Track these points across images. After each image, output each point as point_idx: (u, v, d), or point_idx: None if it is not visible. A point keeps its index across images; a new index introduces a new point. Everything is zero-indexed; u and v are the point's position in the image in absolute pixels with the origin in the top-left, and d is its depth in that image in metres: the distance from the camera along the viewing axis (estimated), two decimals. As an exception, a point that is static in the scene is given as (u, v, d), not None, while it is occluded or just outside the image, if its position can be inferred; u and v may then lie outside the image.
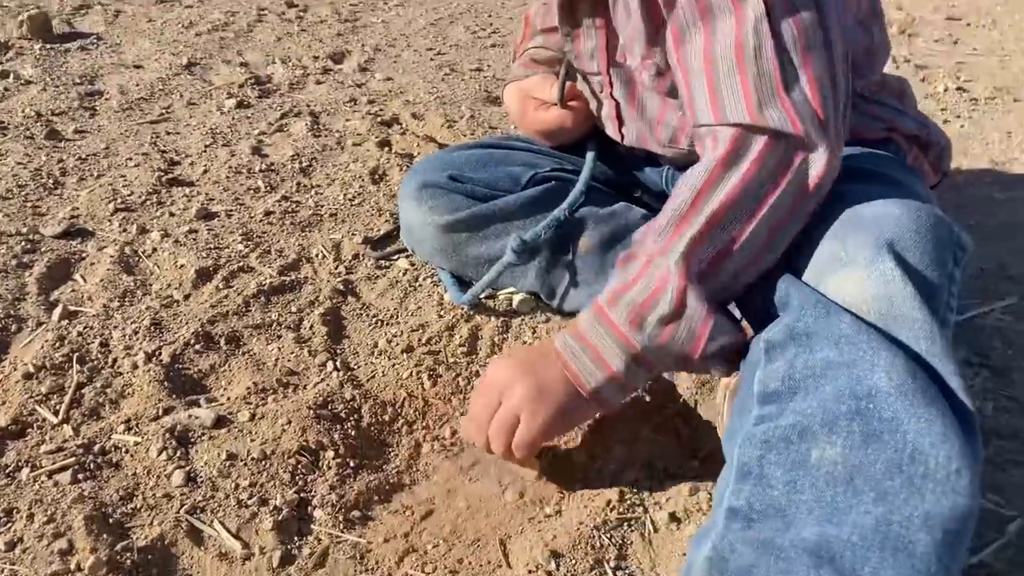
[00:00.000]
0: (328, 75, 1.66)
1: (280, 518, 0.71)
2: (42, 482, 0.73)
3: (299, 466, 0.76)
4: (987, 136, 1.56)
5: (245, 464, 0.76)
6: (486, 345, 0.96)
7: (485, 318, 1.00)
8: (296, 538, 0.70)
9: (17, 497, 0.71)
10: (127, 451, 0.77)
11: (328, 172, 1.34)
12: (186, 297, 1.03)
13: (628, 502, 0.75)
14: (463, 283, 1.07)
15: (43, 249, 1.11)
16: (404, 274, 1.11)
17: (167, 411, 0.82)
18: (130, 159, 1.34)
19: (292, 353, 0.92)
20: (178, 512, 0.71)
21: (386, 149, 1.42)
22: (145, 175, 1.30)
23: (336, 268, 1.12)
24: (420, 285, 1.08)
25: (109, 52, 1.69)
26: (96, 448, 0.77)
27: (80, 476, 0.74)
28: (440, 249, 1.04)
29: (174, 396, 0.84)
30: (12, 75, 1.55)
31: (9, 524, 0.69)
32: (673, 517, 0.74)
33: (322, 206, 1.26)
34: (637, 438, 0.82)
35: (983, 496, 0.76)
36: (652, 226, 0.75)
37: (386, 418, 0.84)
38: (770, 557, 0.59)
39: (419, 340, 0.95)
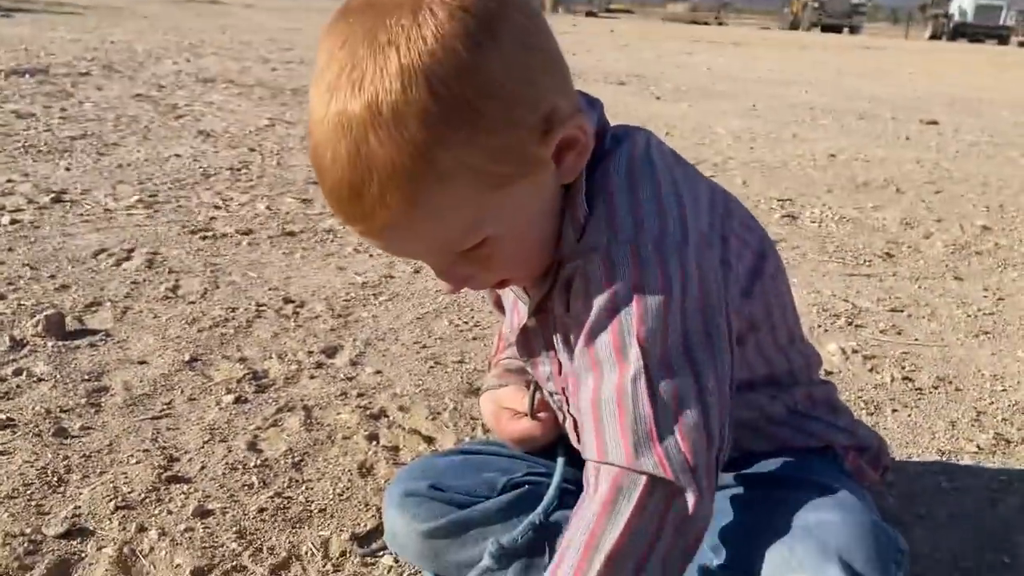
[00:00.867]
0: (321, 369, 1.79)
1: None
2: None
3: None
4: (933, 425, 1.68)
5: None
6: (468, 647, 1.00)
7: (467, 619, 1.04)
8: None
9: None
10: None
11: (319, 467, 1.43)
12: (181, 599, 1.08)
13: None
14: (445, 584, 1.12)
15: (44, 551, 1.17)
16: (389, 572, 1.17)
17: None
18: (132, 456, 1.42)
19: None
20: None
21: (374, 442, 1.51)
22: (145, 472, 1.37)
23: (324, 566, 1.18)
24: (404, 584, 1.14)
25: (116, 348, 1.81)
26: None
27: None
28: (422, 554, 1.10)
29: None
30: (25, 372, 1.67)
31: None
32: None
33: (312, 502, 1.33)
34: None
35: None
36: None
37: None
38: None
39: (404, 643, 0.99)
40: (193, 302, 2.10)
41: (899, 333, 2.16)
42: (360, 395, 1.69)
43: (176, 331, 1.92)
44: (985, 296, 2.51)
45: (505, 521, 1.09)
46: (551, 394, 1.08)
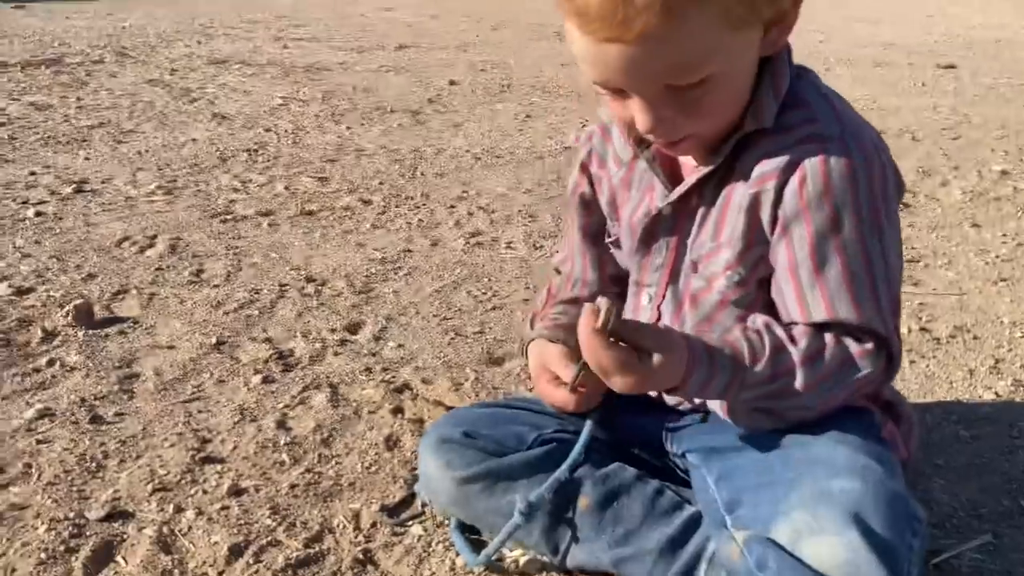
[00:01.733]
0: (345, 346, 1.83)
1: None
2: None
3: None
4: (951, 375, 1.70)
5: None
6: (496, 610, 1.04)
7: (495, 582, 1.09)
8: None
9: None
10: None
11: (347, 442, 1.47)
12: (220, 574, 1.12)
13: None
14: (474, 544, 1.16)
15: (88, 533, 1.22)
16: (418, 540, 1.22)
17: None
18: (166, 439, 1.47)
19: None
20: None
21: (399, 416, 1.55)
22: (180, 454, 1.42)
23: (356, 537, 1.22)
24: (434, 551, 1.19)
25: (145, 335, 1.86)
26: None
27: None
28: (454, 500, 1.16)
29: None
30: (58, 362, 1.72)
31: None
32: None
33: (342, 476, 1.37)
34: None
35: None
36: (751, 340, 0.97)
37: None
38: None
39: (435, 608, 1.03)
40: (217, 285, 2.14)
41: (916, 284, 2.16)
42: (384, 370, 1.72)
43: (202, 315, 1.96)
44: (1004, 242, 2.50)
45: (532, 476, 1.13)
46: (647, 286, 1.13)
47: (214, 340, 1.83)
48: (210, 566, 1.15)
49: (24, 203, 2.73)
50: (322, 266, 2.28)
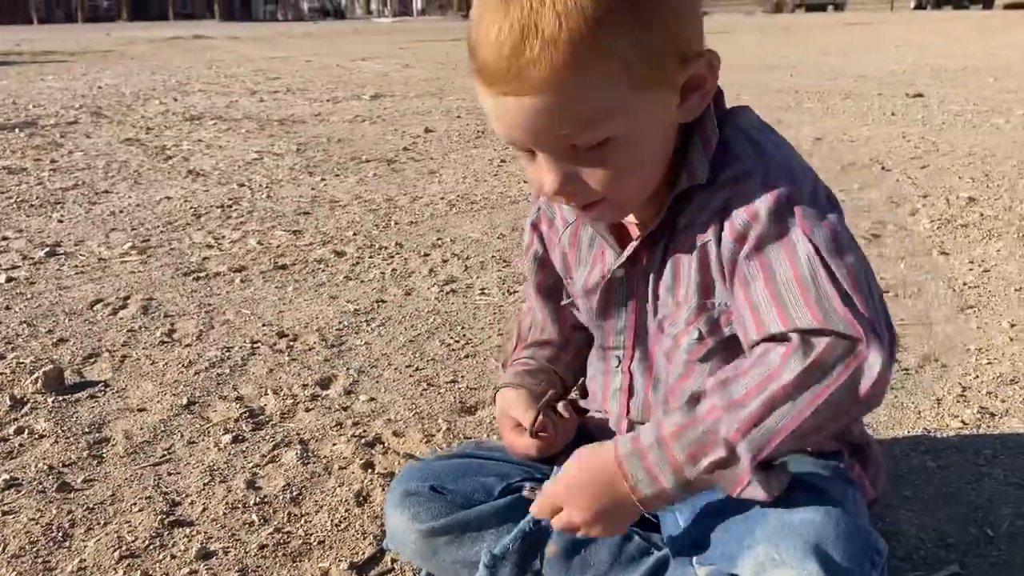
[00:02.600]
0: (316, 401, 1.82)
1: None
2: None
3: None
4: (919, 404, 1.71)
5: None
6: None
7: (461, 638, 1.08)
8: None
9: None
10: None
11: (316, 499, 1.46)
12: (185, 642, 1.11)
13: None
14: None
15: (53, 605, 1.20)
16: (388, 597, 1.20)
17: None
18: (134, 504, 1.46)
19: None
20: None
21: (369, 470, 1.55)
22: (148, 519, 1.41)
23: (325, 598, 1.21)
24: (403, 608, 1.17)
25: (116, 398, 1.85)
26: None
27: None
28: (420, 552, 1.15)
29: None
30: (27, 431, 1.71)
31: None
32: None
33: (311, 534, 1.36)
34: None
35: None
36: (718, 379, 0.89)
37: None
38: None
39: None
40: (189, 345, 2.14)
41: (885, 314, 2.18)
42: (355, 424, 1.72)
43: (173, 375, 1.96)
44: (971, 269, 2.53)
45: (499, 526, 1.12)
46: (613, 349, 1.12)
47: (185, 400, 1.83)
48: (176, 634, 1.13)
49: (-4, 269, 2.73)
50: (294, 320, 2.28)
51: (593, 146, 0.90)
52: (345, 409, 1.79)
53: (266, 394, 1.86)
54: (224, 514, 1.42)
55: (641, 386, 1.11)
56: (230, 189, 3.83)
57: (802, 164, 0.99)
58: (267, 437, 1.68)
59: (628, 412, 1.13)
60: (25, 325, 2.26)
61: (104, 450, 1.64)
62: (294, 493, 1.48)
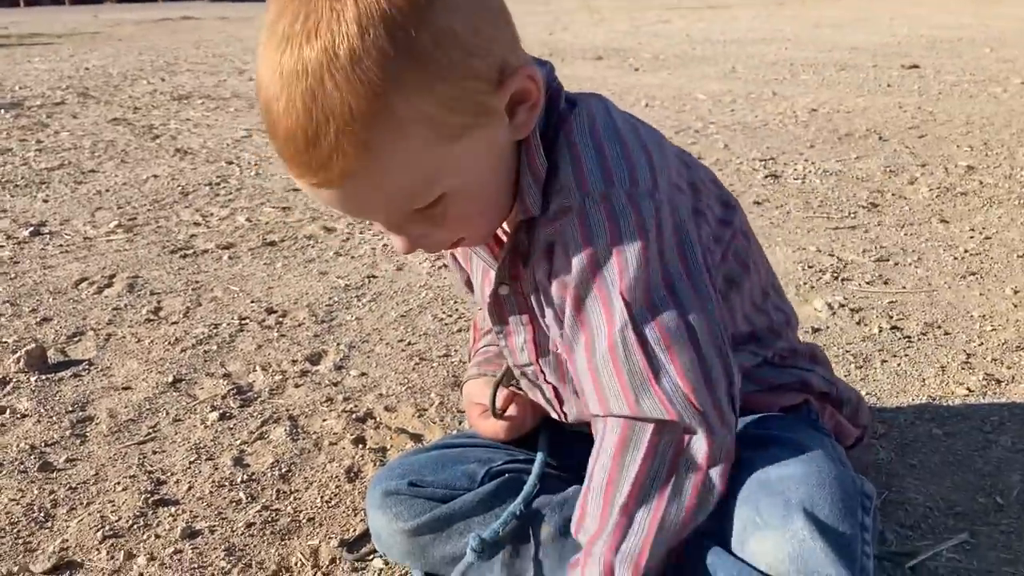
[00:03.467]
0: (306, 377, 1.78)
1: None
2: None
3: None
4: (923, 372, 1.67)
5: None
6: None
7: (455, 616, 1.04)
8: None
9: None
10: None
11: (306, 476, 1.42)
12: (169, 623, 1.07)
13: None
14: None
15: (33, 587, 1.16)
16: (380, 574, 1.16)
17: None
18: (118, 483, 1.41)
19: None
20: None
21: (360, 446, 1.50)
22: (132, 498, 1.37)
23: (314, 575, 1.17)
24: (395, 586, 1.13)
25: (100, 376, 1.80)
26: None
27: None
28: (408, 552, 1.10)
29: None
30: (8, 410, 1.66)
31: None
32: None
33: (300, 512, 1.32)
34: None
35: None
36: (578, 524, 0.83)
37: None
38: None
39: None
40: (176, 322, 2.09)
41: (886, 283, 2.14)
42: (346, 399, 1.68)
43: (159, 353, 1.91)
44: (971, 236, 2.49)
45: (487, 512, 1.08)
46: (524, 366, 1.06)
47: (171, 378, 1.78)
48: (159, 615, 1.09)
49: (-21, 249, 2.67)
50: (283, 297, 2.23)
51: (430, 204, 0.83)
52: (336, 384, 1.74)
53: (254, 370, 1.81)
54: (210, 492, 1.38)
55: (566, 395, 1.06)
56: (218, 167, 3.76)
57: (644, 158, 0.87)
58: (255, 414, 1.63)
59: (566, 417, 1.08)
60: (8, 304, 2.21)
61: (87, 429, 1.59)
62: (283, 470, 1.44)
